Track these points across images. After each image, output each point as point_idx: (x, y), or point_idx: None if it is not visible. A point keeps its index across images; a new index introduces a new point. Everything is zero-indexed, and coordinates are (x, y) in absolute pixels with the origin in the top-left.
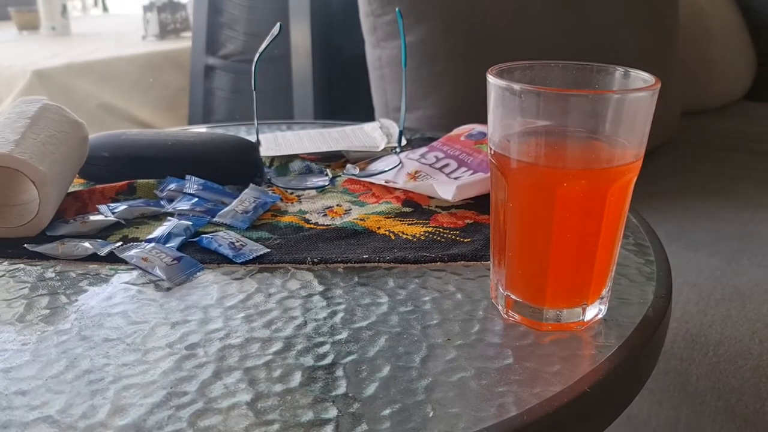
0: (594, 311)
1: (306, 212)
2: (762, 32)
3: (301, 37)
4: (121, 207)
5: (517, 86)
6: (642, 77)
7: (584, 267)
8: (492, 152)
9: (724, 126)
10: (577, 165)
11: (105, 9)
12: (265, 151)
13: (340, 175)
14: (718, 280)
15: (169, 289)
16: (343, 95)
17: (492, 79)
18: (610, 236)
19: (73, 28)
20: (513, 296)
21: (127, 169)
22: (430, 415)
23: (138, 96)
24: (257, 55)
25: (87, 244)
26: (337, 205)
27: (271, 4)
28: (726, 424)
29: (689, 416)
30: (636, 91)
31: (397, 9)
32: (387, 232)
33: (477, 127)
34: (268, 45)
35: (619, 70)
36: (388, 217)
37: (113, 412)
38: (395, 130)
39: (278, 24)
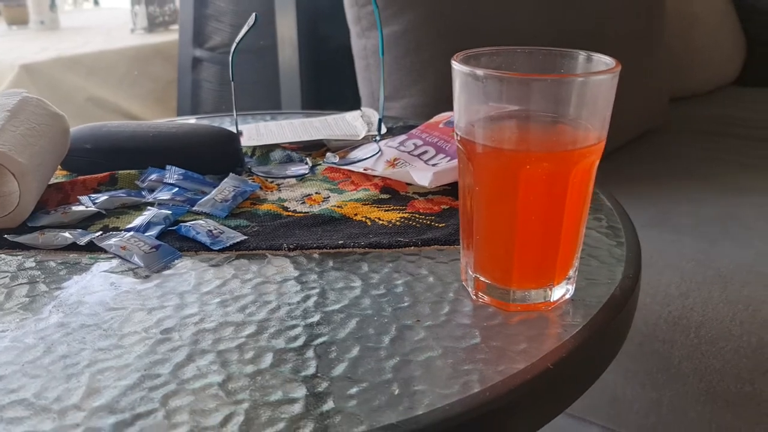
0: (561, 291)
1: (285, 200)
2: (751, 16)
3: (287, 28)
4: (102, 197)
5: (480, 71)
6: (604, 61)
7: (550, 248)
8: (458, 138)
9: (712, 112)
10: (539, 148)
11: (96, 2)
12: (246, 141)
13: (320, 164)
14: (700, 263)
15: (147, 276)
16: (331, 86)
17: (456, 66)
18: (574, 217)
19: (62, 23)
20: (482, 278)
21: (109, 160)
22: (396, 393)
23: (127, 89)
24: (233, 46)
25: (67, 234)
26: (316, 193)
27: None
28: (708, 405)
29: (672, 397)
30: (596, 74)
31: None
32: (364, 219)
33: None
34: (243, 36)
35: (582, 55)
36: (365, 204)
37: (87, 394)
38: (376, 118)
39: (254, 14)
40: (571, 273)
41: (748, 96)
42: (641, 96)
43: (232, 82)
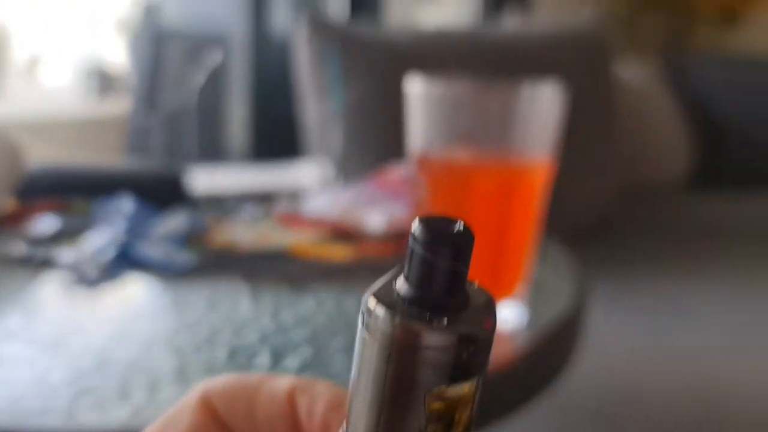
0: (513, 310)
1: (236, 239)
2: (697, 121)
3: (239, 91)
4: (56, 222)
5: (434, 87)
6: (548, 87)
7: (500, 258)
8: (413, 158)
9: (663, 207)
10: (489, 162)
11: (38, 78)
12: (199, 186)
13: (272, 210)
14: (651, 340)
15: (99, 291)
16: (280, 149)
17: (412, 85)
18: (525, 232)
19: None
20: None
21: (63, 194)
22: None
23: (74, 153)
24: (199, 82)
25: (22, 245)
26: (267, 233)
27: (210, 55)
28: None
29: None
30: (541, 89)
31: (335, 49)
32: (316, 256)
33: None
34: (207, 73)
35: (527, 81)
36: (316, 244)
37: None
38: (328, 168)
39: (217, 52)
40: (522, 292)
41: (699, 197)
42: (594, 187)
43: (194, 113)
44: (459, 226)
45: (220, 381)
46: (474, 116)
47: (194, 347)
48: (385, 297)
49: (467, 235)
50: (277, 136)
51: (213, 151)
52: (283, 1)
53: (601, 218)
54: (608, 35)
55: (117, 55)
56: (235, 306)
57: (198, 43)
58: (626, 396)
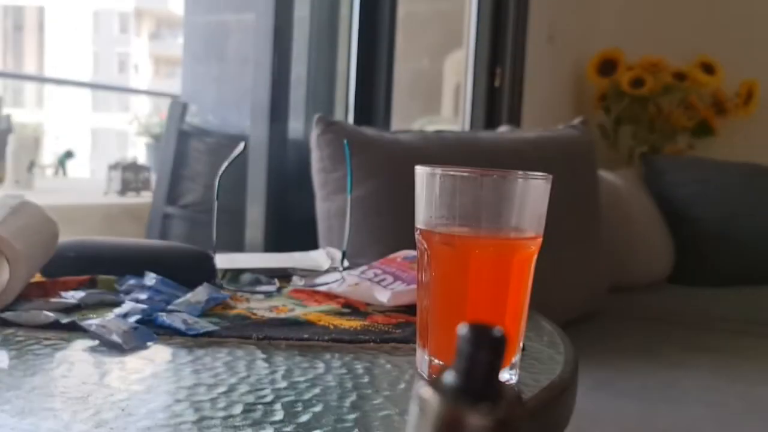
0: (505, 376)
1: (253, 309)
2: (676, 222)
3: (256, 189)
4: (82, 294)
5: (438, 170)
6: (539, 176)
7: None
8: (418, 232)
9: (648, 302)
10: (487, 235)
11: (64, 173)
12: (219, 264)
13: (286, 286)
14: (641, 422)
15: (124, 352)
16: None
17: (420, 169)
18: (517, 300)
19: (37, 185)
20: (436, 361)
21: (90, 269)
22: None
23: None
24: (221, 170)
25: (49, 313)
26: (282, 305)
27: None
28: None
29: None
30: (532, 178)
31: (345, 141)
32: (327, 324)
33: (412, 252)
34: (232, 161)
35: (521, 173)
36: (328, 314)
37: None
38: (338, 255)
39: (242, 143)
40: (515, 360)
41: (679, 291)
42: (582, 283)
43: (216, 201)
44: (497, 332)
45: None
46: (473, 197)
47: (212, 403)
48: (436, 385)
49: (503, 339)
50: (291, 232)
51: (231, 244)
52: (300, 108)
53: (588, 311)
54: (592, 139)
55: (138, 154)
56: (251, 367)
57: (219, 142)
58: None
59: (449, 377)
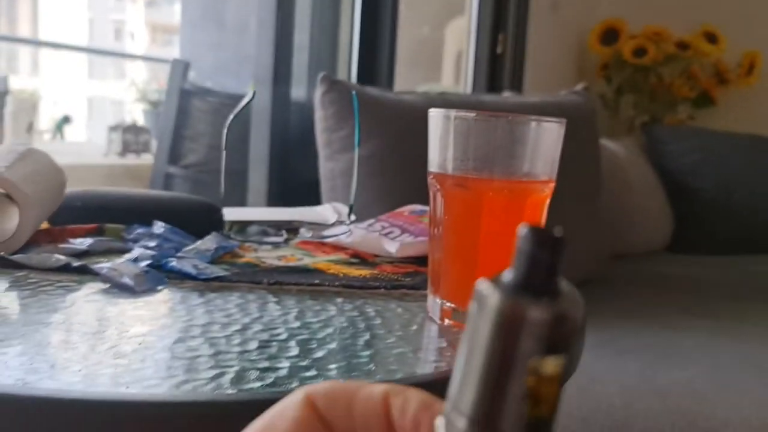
0: None
1: (262, 257)
2: (675, 191)
3: (259, 151)
4: (91, 241)
5: (453, 113)
6: (553, 120)
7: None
8: (432, 175)
9: (648, 269)
10: (501, 178)
11: (61, 136)
12: (227, 215)
13: (293, 238)
14: (641, 379)
15: (136, 294)
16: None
17: (434, 112)
18: None
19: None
20: (448, 304)
21: (97, 219)
22: (372, 369)
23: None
24: (231, 117)
25: (60, 256)
26: (291, 255)
27: (234, 121)
28: None
29: None
30: (545, 122)
31: (353, 92)
32: (337, 272)
33: (419, 206)
34: (241, 109)
35: (534, 117)
36: (337, 264)
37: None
38: (345, 210)
39: (253, 89)
40: None
41: (678, 260)
42: (584, 248)
43: (224, 150)
44: (558, 231)
45: (323, 384)
46: (487, 140)
47: (227, 339)
48: (496, 282)
49: (563, 238)
50: (293, 194)
51: (235, 201)
52: (303, 74)
53: (588, 277)
54: (594, 105)
55: (137, 116)
56: (263, 309)
57: (221, 102)
58: (620, 429)
59: (508, 275)
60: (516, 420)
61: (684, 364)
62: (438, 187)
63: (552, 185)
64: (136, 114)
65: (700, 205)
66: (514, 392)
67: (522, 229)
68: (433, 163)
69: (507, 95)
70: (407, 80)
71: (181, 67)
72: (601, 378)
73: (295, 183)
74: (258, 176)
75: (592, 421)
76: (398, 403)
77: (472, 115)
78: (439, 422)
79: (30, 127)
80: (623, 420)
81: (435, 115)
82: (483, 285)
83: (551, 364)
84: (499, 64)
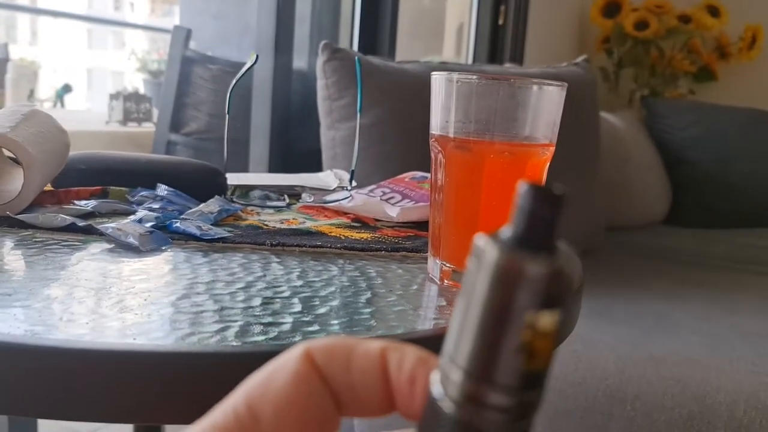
0: None
1: (264, 220)
2: (674, 164)
3: (261, 121)
4: (95, 202)
5: (455, 76)
6: (554, 84)
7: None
8: (433, 138)
9: (644, 241)
10: (502, 140)
11: (62, 104)
12: (229, 179)
13: (295, 203)
14: (635, 346)
15: (141, 253)
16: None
17: (437, 75)
18: None
19: None
20: (448, 265)
21: (101, 182)
22: (374, 324)
23: None
24: (234, 81)
25: (66, 215)
26: (293, 218)
27: (236, 88)
28: None
29: None
30: (547, 85)
31: (356, 58)
32: (338, 234)
33: (419, 173)
34: (244, 73)
35: (536, 80)
36: (339, 227)
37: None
38: (346, 177)
39: (255, 55)
40: None
41: (674, 232)
42: (580, 217)
43: (227, 115)
44: (558, 189)
45: (322, 340)
46: (489, 103)
47: (231, 296)
48: (494, 238)
49: (562, 196)
50: (294, 163)
51: (236, 169)
52: (305, 45)
53: (585, 248)
54: (594, 77)
55: (138, 85)
56: (266, 268)
57: (223, 69)
58: (614, 397)
59: (507, 231)
60: (511, 373)
61: (678, 332)
62: (439, 149)
63: (552, 149)
64: (137, 83)
65: (697, 179)
66: (510, 345)
67: (522, 186)
68: (435, 126)
69: (508, 66)
70: (409, 52)
71: (183, 34)
72: (596, 345)
73: (297, 152)
74: (259, 145)
75: (586, 386)
76: (395, 359)
77: (474, 77)
78: (435, 376)
79: (31, 95)
80: (617, 385)
81: (438, 77)
82: (481, 240)
83: (547, 319)
84: (501, 35)
